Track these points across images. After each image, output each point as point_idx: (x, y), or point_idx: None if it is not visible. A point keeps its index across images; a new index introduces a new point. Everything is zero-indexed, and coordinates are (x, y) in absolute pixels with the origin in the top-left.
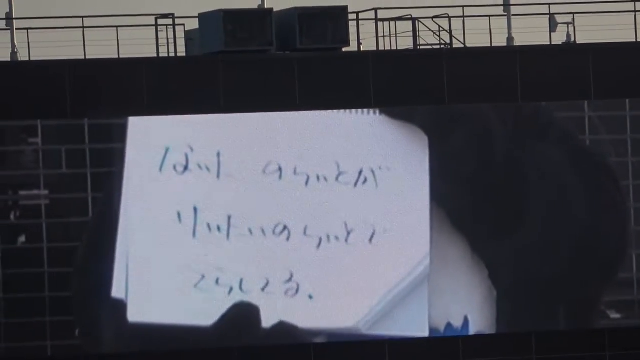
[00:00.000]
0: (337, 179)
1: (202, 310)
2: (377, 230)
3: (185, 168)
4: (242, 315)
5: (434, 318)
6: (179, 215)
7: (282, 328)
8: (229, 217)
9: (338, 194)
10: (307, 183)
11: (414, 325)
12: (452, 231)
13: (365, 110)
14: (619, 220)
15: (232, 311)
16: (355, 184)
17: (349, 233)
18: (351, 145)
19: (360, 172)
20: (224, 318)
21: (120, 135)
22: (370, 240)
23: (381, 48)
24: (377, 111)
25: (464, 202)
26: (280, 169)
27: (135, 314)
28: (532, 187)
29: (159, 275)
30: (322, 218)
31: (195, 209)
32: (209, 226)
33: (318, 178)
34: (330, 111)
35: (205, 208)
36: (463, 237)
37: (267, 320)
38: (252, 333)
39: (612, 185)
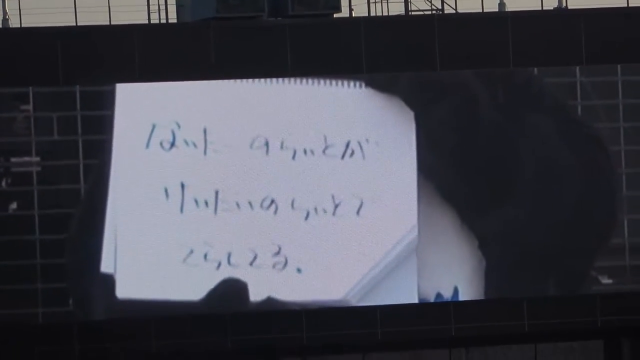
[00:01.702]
0: (324, 152)
1: (190, 285)
2: (365, 202)
3: (172, 144)
4: (230, 290)
5: (423, 288)
6: (166, 191)
7: (271, 302)
8: (217, 192)
9: (325, 167)
10: (294, 156)
11: (403, 296)
12: (440, 202)
13: (352, 83)
14: (609, 188)
15: (220, 287)
16: (343, 157)
17: (336, 206)
18: (338, 118)
19: (347, 145)
20: (213, 293)
21: (110, 102)
22: (358, 212)
23: (373, 14)
24: (363, 84)
25: (451, 173)
26: (267, 143)
27: (124, 290)
28: (521, 156)
29: (147, 251)
30: (310, 191)
31: (182, 185)
32: (196, 201)
33: (305, 151)
34: (316, 84)
35: (193, 184)
36: (452, 208)
37: (256, 294)
38: (241, 308)
39: (601, 153)
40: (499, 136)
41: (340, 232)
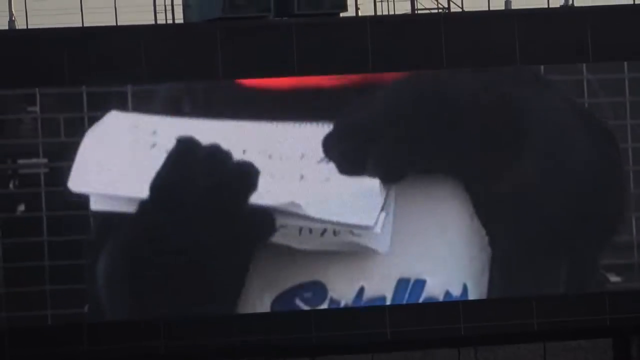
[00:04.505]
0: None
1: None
2: None
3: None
4: None
5: (432, 286)
6: None
7: None
8: None
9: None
10: None
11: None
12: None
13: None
14: (617, 185)
15: None
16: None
17: None
18: None
19: None
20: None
21: (118, 103)
22: None
23: (379, 13)
24: None
25: (461, 170)
26: None
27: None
28: (531, 154)
29: None
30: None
31: None
32: None
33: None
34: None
35: None
36: (461, 205)
37: None
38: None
39: (613, 149)
40: (508, 133)
41: None
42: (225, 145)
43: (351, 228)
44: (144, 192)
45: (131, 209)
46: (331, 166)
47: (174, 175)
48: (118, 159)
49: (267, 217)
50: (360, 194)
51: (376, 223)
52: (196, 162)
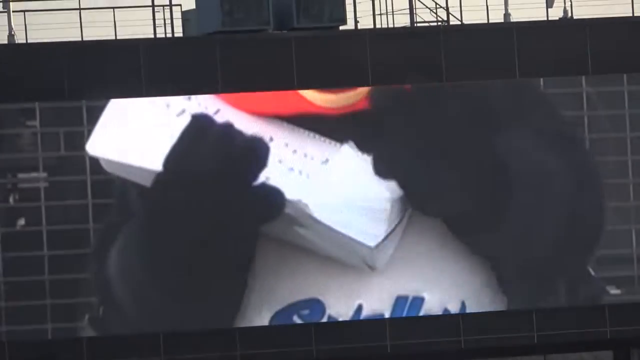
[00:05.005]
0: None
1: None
2: None
3: None
4: None
5: (430, 304)
6: None
7: None
8: None
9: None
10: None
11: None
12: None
13: None
14: (597, 198)
15: None
16: None
17: None
18: None
19: None
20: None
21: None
22: None
23: (378, 26)
24: None
25: (454, 188)
26: None
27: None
28: (521, 169)
29: None
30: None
31: None
32: None
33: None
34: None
35: None
36: (458, 221)
37: None
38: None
39: (590, 163)
40: (496, 149)
41: None
42: (248, 131)
43: (353, 242)
44: (158, 165)
45: (145, 181)
46: (353, 178)
47: (187, 151)
48: (139, 129)
49: (276, 193)
50: (369, 211)
51: (377, 246)
52: (209, 138)
